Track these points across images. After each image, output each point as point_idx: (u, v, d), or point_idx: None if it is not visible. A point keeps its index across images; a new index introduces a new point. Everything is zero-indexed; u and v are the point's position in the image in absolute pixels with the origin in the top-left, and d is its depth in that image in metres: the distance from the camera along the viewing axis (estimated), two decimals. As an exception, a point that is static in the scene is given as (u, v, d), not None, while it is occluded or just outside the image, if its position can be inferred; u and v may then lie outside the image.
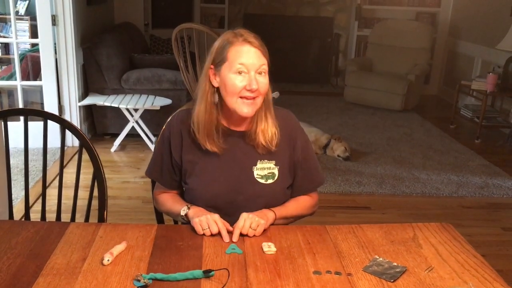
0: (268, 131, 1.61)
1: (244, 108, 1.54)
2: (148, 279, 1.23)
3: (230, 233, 1.48)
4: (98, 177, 1.80)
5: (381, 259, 1.38)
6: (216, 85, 1.58)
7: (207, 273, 1.26)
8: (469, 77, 5.89)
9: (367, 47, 6.86)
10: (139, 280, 1.22)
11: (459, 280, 1.30)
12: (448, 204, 3.67)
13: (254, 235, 1.49)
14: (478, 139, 5.16)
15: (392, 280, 1.28)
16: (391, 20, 6.73)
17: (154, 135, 4.47)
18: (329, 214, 3.34)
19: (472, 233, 3.15)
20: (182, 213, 1.59)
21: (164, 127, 1.72)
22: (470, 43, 6.42)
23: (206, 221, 1.49)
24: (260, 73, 1.53)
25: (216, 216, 1.52)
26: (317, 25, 7.54)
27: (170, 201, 1.70)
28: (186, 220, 1.59)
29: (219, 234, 1.47)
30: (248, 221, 1.50)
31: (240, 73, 1.52)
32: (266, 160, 1.64)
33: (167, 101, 4.41)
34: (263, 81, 1.54)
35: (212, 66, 1.57)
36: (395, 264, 1.36)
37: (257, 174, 1.63)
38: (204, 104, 1.58)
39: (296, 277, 1.29)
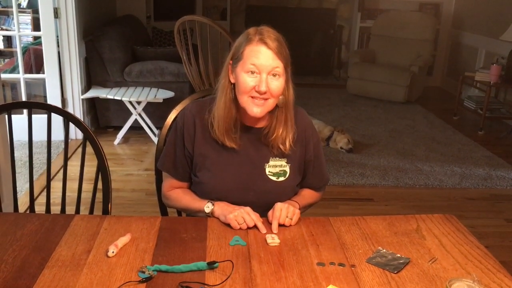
0: (286, 135, 1.60)
1: (254, 108, 1.53)
2: (153, 270, 1.23)
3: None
4: (102, 169, 1.80)
5: (384, 250, 1.39)
6: (232, 81, 1.57)
7: (211, 265, 1.26)
8: (473, 69, 5.87)
9: (370, 39, 6.83)
10: (143, 272, 1.23)
11: (462, 271, 1.30)
12: (451, 195, 3.67)
13: (290, 225, 1.50)
14: (482, 131, 5.15)
15: (395, 272, 1.29)
16: (394, 11, 6.69)
17: (157, 128, 4.47)
18: (332, 206, 3.34)
19: (476, 225, 3.16)
20: (207, 210, 1.57)
21: (177, 118, 1.71)
22: (474, 34, 6.39)
23: (241, 215, 1.49)
24: (273, 75, 1.51)
25: (248, 209, 1.52)
26: (319, 17, 7.51)
27: (187, 198, 1.67)
28: (209, 216, 1.57)
29: (255, 226, 1.48)
30: (284, 211, 1.51)
31: (252, 73, 1.50)
32: (278, 158, 1.64)
33: (169, 94, 4.41)
34: (276, 83, 1.52)
35: (231, 62, 1.57)
36: (399, 255, 1.36)
37: (269, 172, 1.63)
38: (223, 100, 1.57)
39: (300, 269, 1.29)
